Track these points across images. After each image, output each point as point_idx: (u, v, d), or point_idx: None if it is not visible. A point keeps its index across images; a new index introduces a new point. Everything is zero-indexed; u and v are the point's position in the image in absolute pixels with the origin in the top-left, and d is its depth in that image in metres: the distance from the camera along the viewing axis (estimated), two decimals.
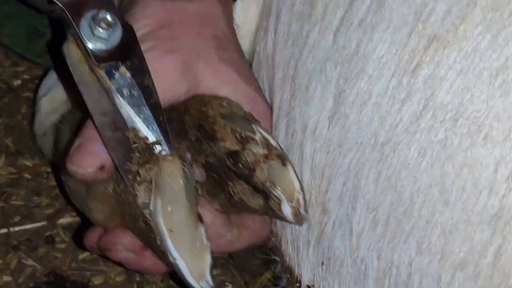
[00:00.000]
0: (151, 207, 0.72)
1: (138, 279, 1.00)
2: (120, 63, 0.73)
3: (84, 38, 0.73)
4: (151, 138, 0.73)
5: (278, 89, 0.79)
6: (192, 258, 0.73)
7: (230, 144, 0.74)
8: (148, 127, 0.73)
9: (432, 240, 0.68)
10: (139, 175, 0.72)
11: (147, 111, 0.73)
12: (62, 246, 1.02)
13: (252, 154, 0.73)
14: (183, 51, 0.77)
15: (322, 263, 0.77)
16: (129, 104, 0.73)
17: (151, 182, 0.72)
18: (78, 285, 0.98)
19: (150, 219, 0.72)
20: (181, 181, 0.72)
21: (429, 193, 0.67)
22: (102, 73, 0.73)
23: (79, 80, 0.75)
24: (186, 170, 0.73)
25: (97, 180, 0.75)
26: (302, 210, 0.74)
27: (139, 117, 0.73)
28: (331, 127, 0.73)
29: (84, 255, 1.02)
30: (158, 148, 0.73)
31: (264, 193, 0.74)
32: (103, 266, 1.01)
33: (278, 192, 0.73)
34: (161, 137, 0.73)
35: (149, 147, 0.73)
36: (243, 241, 0.79)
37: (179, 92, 0.77)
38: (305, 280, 0.78)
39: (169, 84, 0.76)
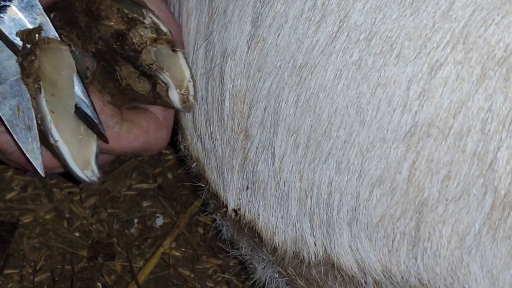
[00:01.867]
0: (35, 86, 0.71)
1: (67, 215, 1.00)
2: (8, 4, 0.71)
3: None
4: None
5: (194, 12, 0.79)
6: (75, 143, 0.72)
7: (115, 23, 0.74)
8: None
9: (350, 159, 0.69)
10: (24, 68, 0.71)
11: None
12: None
13: (138, 36, 0.73)
14: None
15: (247, 188, 0.78)
16: None
17: (36, 74, 0.71)
18: (7, 224, 0.98)
19: (34, 98, 0.71)
20: (64, 67, 0.72)
21: (346, 113, 0.69)
22: None
23: None
24: (73, 54, 0.73)
25: None
26: (191, 98, 0.75)
27: None
28: (250, 51, 0.74)
29: (11, 194, 1.02)
30: (41, 35, 0.71)
31: (151, 77, 0.75)
32: (32, 205, 1.01)
33: (165, 77, 0.74)
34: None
35: (30, 35, 0.71)
36: (134, 139, 0.78)
37: None
38: (231, 204, 0.80)
39: None
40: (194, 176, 0.87)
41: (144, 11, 0.75)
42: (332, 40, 0.68)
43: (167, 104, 0.76)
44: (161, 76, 0.74)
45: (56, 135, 0.71)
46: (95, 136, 0.74)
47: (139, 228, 1.00)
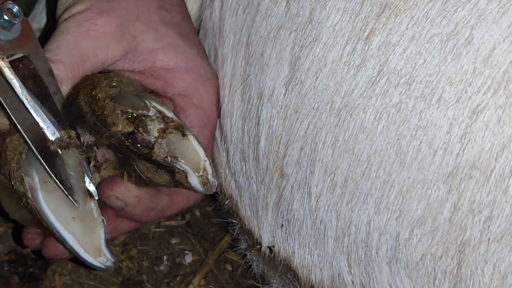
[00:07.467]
0: (30, 184, 0.71)
1: None
2: (22, 54, 0.72)
3: None
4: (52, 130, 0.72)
5: (230, 56, 0.80)
6: (81, 233, 0.71)
7: (123, 127, 0.73)
8: (54, 118, 0.73)
9: (389, 199, 0.71)
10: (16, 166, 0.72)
11: (51, 102, 0.73)
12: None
13: (148, 132, 0.73)
14: (120, 13, 0.77)
15: (282, 225, 0.79)
16: (35, 94, 0.72)
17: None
18: (40, 262, 0.98)
19: (31, 198, 0.71)
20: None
21: (386, 154, 0.70)
22: (5, 63, 0.71)
23: None
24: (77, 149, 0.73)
25: None
26: (210, 177, 0.74)
27: (45, 108, 0.72)
28: (288, 93, 0.75)
29: None
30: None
31: (168, 168, 0.74)
32: None
33: (181, 165, 0.73)
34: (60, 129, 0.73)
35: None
36: (176, 205, 0.80)
37: (113, 55, 0.76)
38: (265, 241, 0.81)
39: (101, 48, 0.76)
40: (225, 212, 0.88)
41: (146, 102, 0.74)
42: (372, 84, 0.70)
43: (189, 189, 0.75)
44: (177, 166, 0.73)
45: (59, 227, 0.70)
46: (102, 223, 0.73)
47: (168, 265, 1.01)
